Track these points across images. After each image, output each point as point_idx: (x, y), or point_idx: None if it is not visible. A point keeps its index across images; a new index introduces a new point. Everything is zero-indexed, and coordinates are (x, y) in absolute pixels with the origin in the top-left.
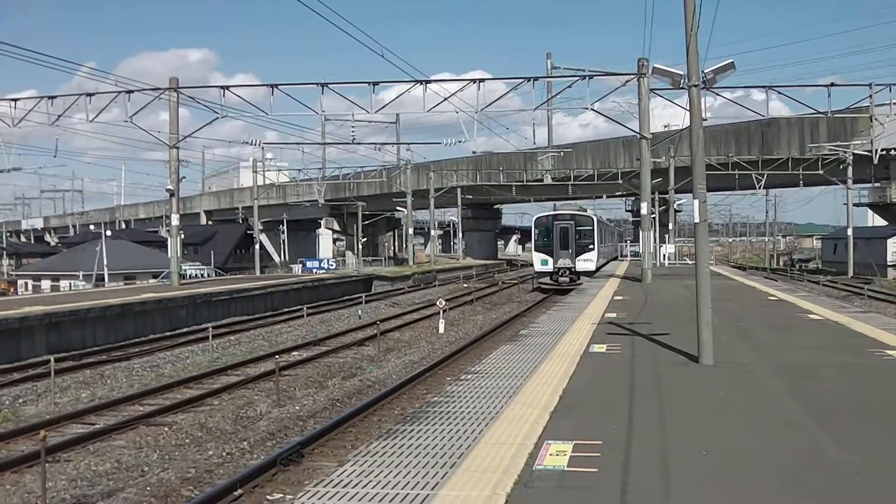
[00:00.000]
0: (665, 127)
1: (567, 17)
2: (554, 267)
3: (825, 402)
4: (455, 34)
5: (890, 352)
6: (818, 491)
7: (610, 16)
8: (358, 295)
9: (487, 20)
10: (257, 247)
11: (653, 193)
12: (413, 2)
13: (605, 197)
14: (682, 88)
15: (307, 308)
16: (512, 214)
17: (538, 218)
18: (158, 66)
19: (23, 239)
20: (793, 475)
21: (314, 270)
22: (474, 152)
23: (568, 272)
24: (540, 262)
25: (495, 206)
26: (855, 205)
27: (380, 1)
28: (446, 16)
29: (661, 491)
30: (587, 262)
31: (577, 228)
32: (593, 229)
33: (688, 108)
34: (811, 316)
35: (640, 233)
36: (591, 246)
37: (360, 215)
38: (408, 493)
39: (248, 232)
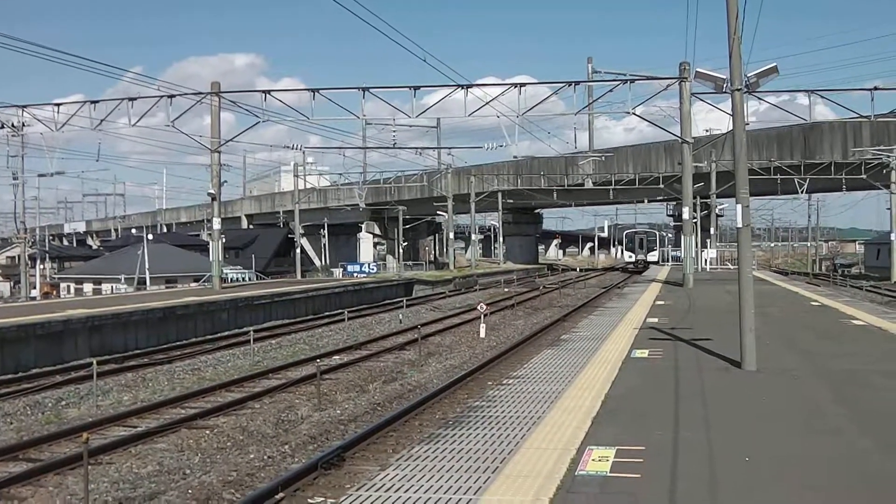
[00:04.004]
0: (707, 131)
1: (610, 23)
2: (635, 259)
3: (870, 408)
4: (499, 41)
5: None
6: (864, 499)
7: (653, 21)
8: (399, 299)
9: (531, 27)
10: (298, 251)
11: (694, 198)
12: (457, 10)
13: (646, 201)
14: (725, 93)
15: (348, 312)
16: (553, 219)
17: (627, 232)
18: (206, 70)
19: (65, 242)
20: (837, 482)
21: (355, 274)
22: (515, 157)
23: (642, 262)
24: (627, 256)
25: (536, 211)
26: None
27: (426, 10)
28: (490, 24)
29: (705, 497)
30: (652, 256)
31: (648, 238)
32: (656, 239)
33: (731, 112)
34: (854, 322)
35: (682, 237)
36: (655, 248)
37: (400, 219)
38: (450, 498)
39: (290, 236)
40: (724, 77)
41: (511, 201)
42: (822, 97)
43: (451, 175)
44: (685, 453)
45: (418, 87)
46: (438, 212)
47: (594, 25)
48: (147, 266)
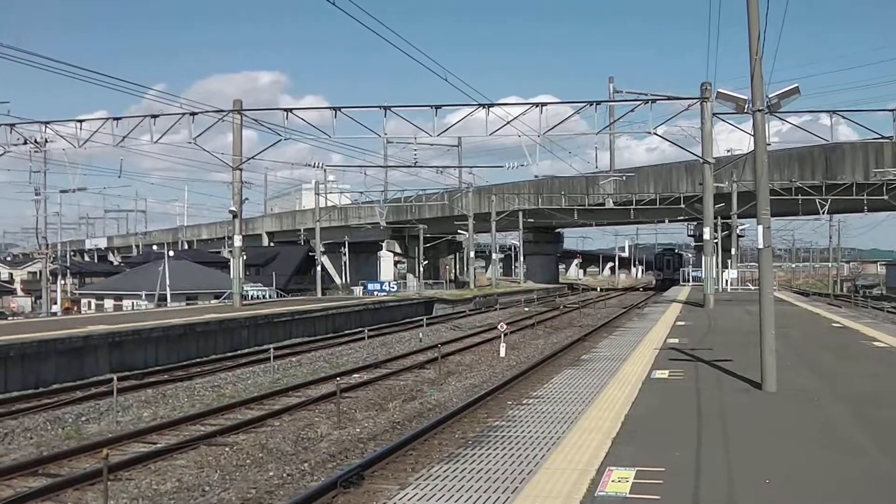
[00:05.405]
0: (728, 151)
1: (632, 42)
2: (662, 276)
3: (891, 429)
4: (522, 60)
5: None
6: None
7: (675, 41)
8: (419, 318)
9: (554, 46)
10: (319, 269)
11: (715, 218)
12: (480, 30)
13: (666, 221)
14: (747, 113)
15: (368, 330)
16: (573, 238)
17: (657, 254)
18: (229, 88)
19: (86, 258)
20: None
21: (375, 293)
22: (536, 176)
23: (668, 281)
24: (655, 273)
25: (556, 230)
26: None
27: (447, 29)
28: (512, 42)
29: None
30: (676, 273)
31: (674, 259)
32: (681, 258)
33: (752, 132)
34: (876, 343)
35: (703, 258)
36: (680, 268)
37: (421, 238)
38: None
39: (310, 254)
40: (746, 98)
41: (532, 220)
42: (843, 118)
43: (471, 194)
44: (705, 475)
45: (440, 106)
46: (459, 230)
47: (616, 44)
48: (168, 282)
